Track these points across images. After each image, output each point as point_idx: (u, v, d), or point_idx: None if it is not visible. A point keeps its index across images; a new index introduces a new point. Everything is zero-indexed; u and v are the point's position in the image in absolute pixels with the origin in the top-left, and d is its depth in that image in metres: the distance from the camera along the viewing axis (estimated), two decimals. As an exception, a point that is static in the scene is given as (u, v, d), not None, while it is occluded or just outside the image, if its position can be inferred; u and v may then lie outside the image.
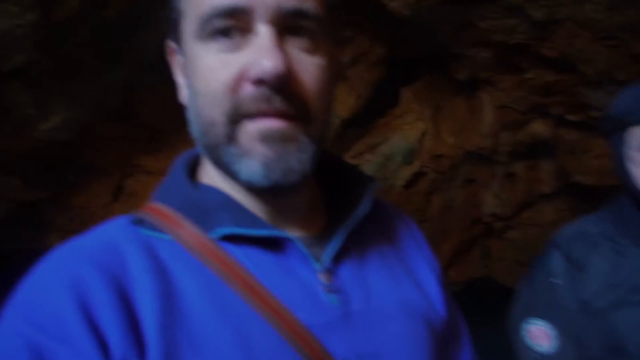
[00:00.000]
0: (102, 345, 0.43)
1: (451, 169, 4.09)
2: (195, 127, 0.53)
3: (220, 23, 0.48)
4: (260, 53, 0.47)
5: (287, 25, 0.49)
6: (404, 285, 0.58)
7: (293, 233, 0.54)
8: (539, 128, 3.29)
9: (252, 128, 0.49)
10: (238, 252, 0.51)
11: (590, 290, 0.84)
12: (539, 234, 4.64)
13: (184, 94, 0.58)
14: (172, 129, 2.94)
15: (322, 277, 0.52)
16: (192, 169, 0.60)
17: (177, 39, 0.55)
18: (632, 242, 0.85)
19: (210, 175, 0.56)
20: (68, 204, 3.09)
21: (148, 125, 2.99)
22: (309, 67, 0.50)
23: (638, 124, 0.84)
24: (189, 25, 0.51)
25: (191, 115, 0.54)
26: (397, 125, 3.66)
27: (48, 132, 2.24)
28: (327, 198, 0.61)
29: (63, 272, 0.46)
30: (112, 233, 0.51)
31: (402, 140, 3.77)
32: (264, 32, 0.48)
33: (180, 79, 0.58)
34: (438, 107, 3.59)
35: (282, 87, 0.47)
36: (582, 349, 0.84)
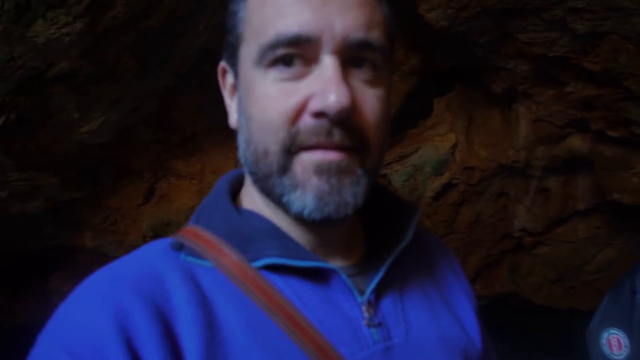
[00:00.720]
0: None
1: (482, 182, 4.01)
2: (245, 154, 0.52)
3: (283, 51, 0.47)
4: (325, 85, 0.45)
5: (351, 56, 0.48)
6: (443, 319, 0.57)
7: (335, 263, 0.53)
8: (576, 143, 3.19)
9: (308, 159, 0.47)
10: (281, 283, 0.49)
11: None
12: (570, 251, 4.50)
13: (234, 118, 0.56)
14: (204, 134, 2.98)
15: (365, 310, 0.51)
16: (235, 190, 0.59)
17: (233, 62, 0.54)
18: None
19: (254, 200, 0.55)
20: (102, 205, 3.16)
21: (181, 130, 3.04)
22: (370, 99, 0.49)
23: None
24: (248, 51, 0.50)
25: (242, 141, 0.53)
26: (429, 136, 3.62)
27: (87, 134, 2.30)
28: (366, 225, 0.60)
29: (106, 301, 0.44)
30: (153, 260, 0.50)
31: (433, 151, 3.72)
32: (329, 63, 0.46)
33: (230, 102, 0.57)
34: (471, 119, 3.53)
35: (343, 120, 0.46)
36: None
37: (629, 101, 2.59)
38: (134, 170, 3.14)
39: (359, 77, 0.49)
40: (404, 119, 3.43)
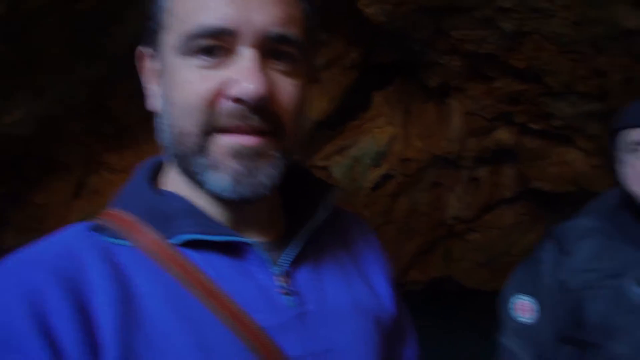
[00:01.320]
0: (56, 352, 0.43)
1: (418, 173, 4.18)
2: (166, 135, 0.55)
3: (205, 42, 0.50)
4: (243, 74, 0.49)
5: (269, 49, 0.51)
6: (357, 287, 0.62)
7: (254, 238, 0.56)
8: (503, 135, 3.42)
9: (225, 142, 0.50)
10: (198, 258, 0.52)
11: (569, 272, 0.96)
12: (498, 237, 4.82)
13: (154, 102, 0.58)
14: (140, 127, 2.86)
15: (280, 280, 0.55)
16: (155, 175, 0.61)
17: (154, 47, 0.56)
18: (619, 236, 0.95)
19: (173, 182, 0.58)
20: (27, 201, 2.95)
21: (116, 122, 2.89)
22: (286, 87, 0.52)
23: (624, 128, 0.93)
24: (170, 39, 0.52)
25: (163, 124, 0.55)
26: (368, 129, 3.71)
27: (9, 126, 2.13)
28: (287, 204, 0.63)
29: (17, 280, 0.46)
30: (68, 239, 0.52)
31: (372, 143, 3.82)
32: (247, 55, 0.50)
33: (151, 86, 0.59)
34: (408, 112, 3.66)
35: (261, 107, 0.49)
36: (557, 322, 0.96)
37: (549, 96, 2.81)
38: (62, 164, 2.95)
39: (276, 68, 0.52)
40: (344, 111, 3.49)
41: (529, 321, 1.00)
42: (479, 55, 2.73)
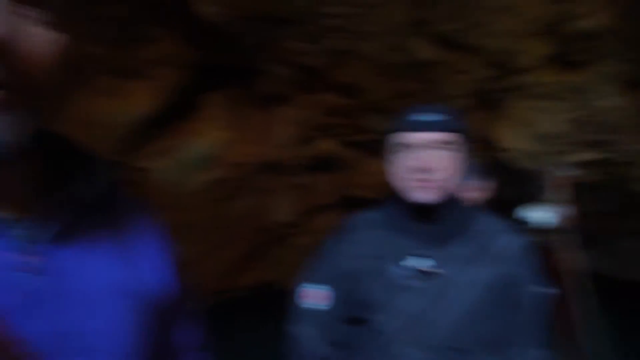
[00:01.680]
0: None
1: (247, 178, 4.21)
2: None
3: None
4: None
5: None
6: (122, 269, 0.60)
7: (6, 214, 0.51)
8: (326, 145, 3.67)
9: None
10: None
11: (353, 258, 1.05)
12: (320, 241, 5.15)
13: None
14: None
15: (31, 259, 0.51)
16: None
17: None
18: (395, 225, 1.07)
19: None
20: None
21: None
22: (33, 36, 0.47)
23: (388, 133, 1.06)
24: None
25: None
26: (198, 131, 3.59)
27: None
28: (52, 181, 0.59)
29: None
30: None
31: (201, 146, 3.71)
32: None
33: None
34: (239, 117, 3.66)
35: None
36: (346, 306, 1.05)
37: (368, 111, 3.12)
38: None
39: (24, 14, 0.46)
40: (173, 111, 3.31)
41: (324, 308, 1.07)
42: (307, 68, 2.89)
